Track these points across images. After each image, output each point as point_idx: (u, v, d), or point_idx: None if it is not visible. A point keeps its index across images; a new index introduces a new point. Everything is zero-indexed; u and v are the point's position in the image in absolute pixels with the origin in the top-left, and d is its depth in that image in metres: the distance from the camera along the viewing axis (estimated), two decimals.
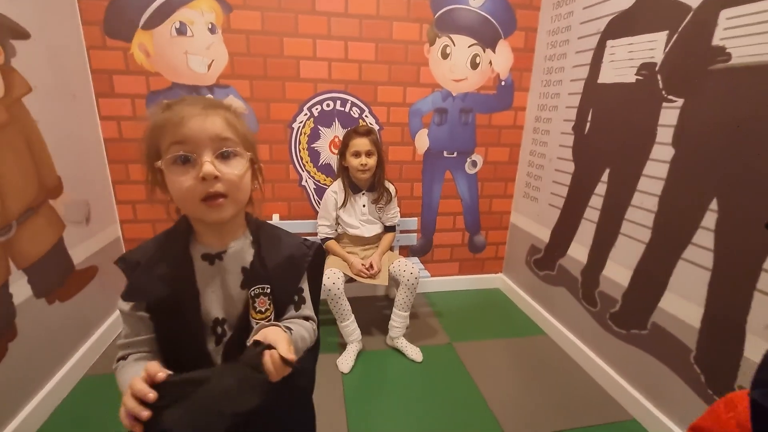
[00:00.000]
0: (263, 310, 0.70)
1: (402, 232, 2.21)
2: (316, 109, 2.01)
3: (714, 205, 1.21)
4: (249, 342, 0.61)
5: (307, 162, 2.10)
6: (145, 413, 0.49)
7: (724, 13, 1.17)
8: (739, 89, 1.14)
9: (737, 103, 1.14)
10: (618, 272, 1.60)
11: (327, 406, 1.53)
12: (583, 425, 1.48)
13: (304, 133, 2.05)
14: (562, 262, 1.95)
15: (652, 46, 1.40)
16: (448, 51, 2.04)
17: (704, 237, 1.24)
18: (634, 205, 1.51)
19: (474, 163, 2.30)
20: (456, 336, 2.04)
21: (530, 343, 2.01)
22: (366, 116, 2.07)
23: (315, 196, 2.16)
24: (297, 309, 0.76)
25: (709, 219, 1.23)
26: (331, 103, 2.02)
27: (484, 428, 1.46)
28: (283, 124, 2.02)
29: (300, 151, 2.07)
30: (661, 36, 1.37)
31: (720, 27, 1.18)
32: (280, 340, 0.59)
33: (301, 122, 2.02)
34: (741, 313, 1.15)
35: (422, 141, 2.19)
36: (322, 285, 1.72)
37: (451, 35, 2.02)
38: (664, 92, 1.36)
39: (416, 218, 2.26)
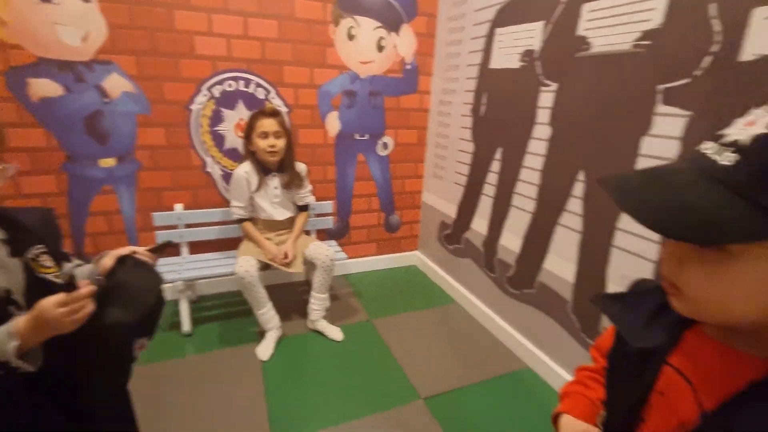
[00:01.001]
0: (50, 265, 0.76)
1: (318, 216, 2.20)
2: (217, 89, 1.89)
3: (582, 176, 1.41)
4: (102, 266, 0.81)
5: (210, 146, 1.97)
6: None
7: (586, 6, 1.34)
8: (599, 75, 1.32)
9: (598, 87, 1.33)
10: (511, 241, 1.79)
11: (245, 397, 1.50)
12: (487, 377, 1.65)
13: (205, 116, 1.91)
14: (467, 235, 2.12)
15: (532, 35, 1.56)
16: (353, 32, 2.04)
17: (575, 204, 1.45)
18: (521, 179, 1.69)
19: (385, 145, 2.36)
20: (375, 313, 2.11)
21: (442, 312, 2.17)
22: (273, 98, 2.00)
23: (222, 183, 2.04)
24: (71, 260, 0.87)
25: (579, 189, 1.43)
26: (233, 84, 1.91)
27: (402, 395, 1.55)
28: (179, 105, 1.86)
29: (202, 134, 1.94)
30: (539, 26, 1.52)
31: (583, 19, 1.35)
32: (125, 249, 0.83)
33: (200, 103, 1.89)
34: (602, 266, 1.36)
35: (333, 123, 2.18)
36: (235, 273, 1.67)
37: (355, 16, 2.02)
38: (542, 77, 1.53)
39: (331, 202, 2.27)
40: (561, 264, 1.54)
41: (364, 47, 2.09)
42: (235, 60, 1.89)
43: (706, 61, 1.01)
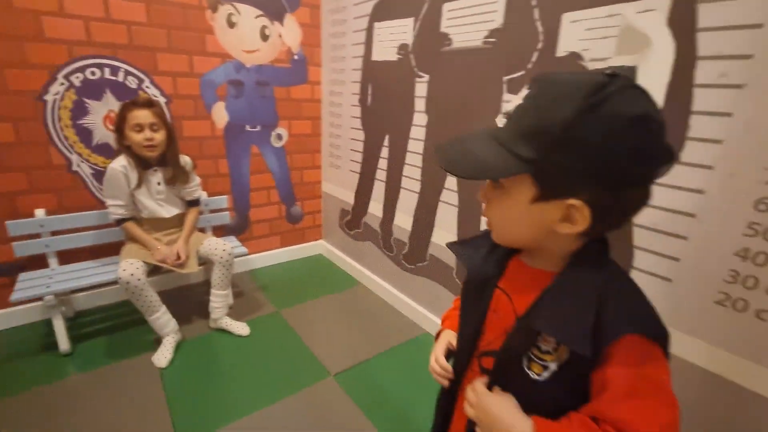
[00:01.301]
0: None
1: (212, 211, 2.12)
2: (77, 77, 1.69)
3: None
4: None
5: (75, 142, 1.76)
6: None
7: (446, 6, 1.51)
8: (460, 67, 1.51)
9: (460, 78, 1.52)
10: (404, 220, 1.95)
11: (143, 410, 1.40)
12: (391, 347, 1.80)
13: (65, 107, 1.70)
14: (366, 219, 2.24)
15: (405, 30, 1.70)
16: (233, 20, 1.99)
17: (452, 182, 1.64)
18: (408, 163, 1.85)
19: (279, 137, 2.35)
20: (282, 304, 2.12)
21: (348, 294, 2.26)
22: (147, 87, 1.85)
23: (94, 183, 1.84)
24: None
25: None
26: (97, 71, 1.72)
27: (312, 375, 1.61)
28: (29, 95, 1.62)
29: (62, 129, 1.71)
30: (410, 21, 1.67)
31: (444, 17, 1.52)
32: None
33: (57, 93, 1.66)
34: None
35: (220, 114, 2.10)
36: (119, 279, 1.53)
37: (234, 3, 1.97)
38: (416, 69, 1.69)
39: (226, 196, 2.19)
40: (445, 236, 1.73)
41: (247, 35, 2.05)
42: (97, 45, 1.70)
43: (535, 56, 1.24)
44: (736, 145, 0.87)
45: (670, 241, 1.00)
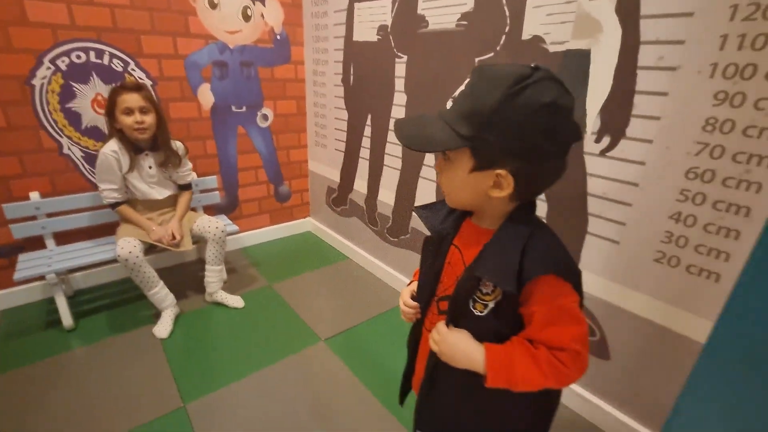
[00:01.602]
0: None
1: (202, 192, 2.19)
2: (63, 61, 1.72)
3: None
4: None
5: (64, 126, 1.80)
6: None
7: None
8: (435, 48, 1.59)
9: (436, 59, 1.60)
10: (387, 196, 2.06)
11: (149, 375, 1.52)
12: (378, 313, 1.93)
13: (53, 92, 1.73)
14: (351, 196, 2.34)
15: (384, 11, 1.76)
16: (215, 0, 2.01)
17: (430, 159, 1.74)
18: (389, 141, 1.94)
19: (265, 117, 2.40)
20: (273, 278, 2.24)
21: (337, 268, 2.39)
22: (133, 70, 1.89)
23: (85, 165, 1.89)
24: None
25: None
26: (83, 55, 1.75)
27: (304, 340, 1.74)
28: (17, 80, 1.65)
29: (51, 113, 1.75)
30: (388, 2, 1.73)
31: None
32: None
33: (44, 78, 1.70)
34: None
35: (206, 96, 2.14)
36: (118, 256, 1.61)
37: None
38: (395, 50, 1.76)
39: (215, 176, 2.26)
40: None
41: (229, 16, 2.07)
42: (81, 29, 1.72)
43: (503, 39, 1.33)
44: (671, 121, 0.99)
45: (618, 207, 1.13)
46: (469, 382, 0.64)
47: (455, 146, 0.57)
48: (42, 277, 1.74)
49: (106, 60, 1.81)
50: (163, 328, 1.74)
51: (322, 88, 2.34)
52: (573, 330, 0.58)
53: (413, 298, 0.80)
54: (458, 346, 0.64)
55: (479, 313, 0.63)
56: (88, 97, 1.82)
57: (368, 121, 2.04)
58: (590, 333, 1.27)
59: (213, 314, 1.91)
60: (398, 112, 1.84)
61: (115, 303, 1.95)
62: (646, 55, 1.00)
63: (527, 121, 0.52)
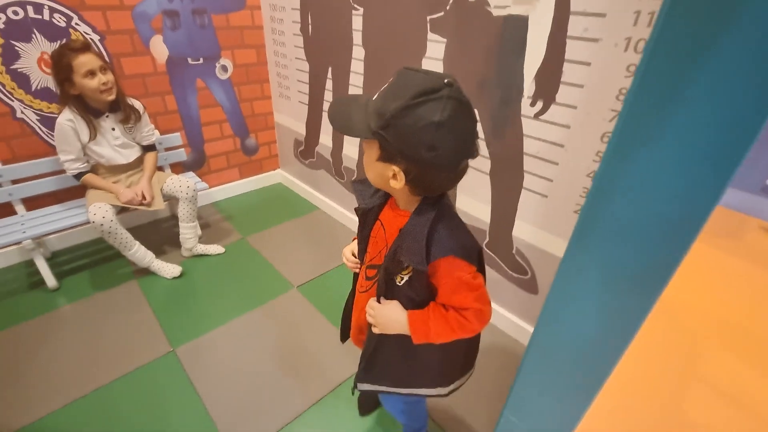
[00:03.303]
0: None
1: (167, 149, 2.20)
2: None
3: None
4: None
5: (13, 89, 1.74)
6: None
7: None
8: (390, 4, 1.58)
9: (390, 15, 1.59)
10: (352, 150, 2.13)
11: (139, 328, 1.66)
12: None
13: None
14: (318, 149, 2.40)
15: None
16: None
17: None
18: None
19: (224, 68, 2.34)
20: (247, 231, 2.35)
21: (308, 219, 2.51)
22: (77, 24, 1.80)
23: (42, 128, 1.87)
24: None
25: None
26: (20, 10, 1.65)
27: (278, 288, 1.91)
28: None
29: None
30: None
31: None
32: None
33: None
34: None
35: (159, 49, 2.07)
36: (91, 223, 1.67)
37: None
38: (351, 1, 1.73)
39: (179, 133, 2.26)
40: None
41: None
42: None
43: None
44: (592, 88, 1.09)
45: (547, 166, 1.27)
46: (405, 342, 0.79)
47: (365, 137, 0.66)
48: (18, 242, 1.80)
49: (46, 15, 1.71)
50: (168, 272, 1.90)
51: (281, 36, 2.27)
52: (471, 295, 0.73)
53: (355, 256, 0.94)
54: (390, 317, 0.78)
55: (399, 284, 0.77)
56: (33, 57, 1.74)
57: (329, 74, 2.05)
58: (522, 272, 1.47)
59: (191, 267, 2.04)
60: (357, 66, 1.85)
61: (95, 261, 2.05)
62: (574, 26, 1.07)
63: (413, 133, 0.59)
